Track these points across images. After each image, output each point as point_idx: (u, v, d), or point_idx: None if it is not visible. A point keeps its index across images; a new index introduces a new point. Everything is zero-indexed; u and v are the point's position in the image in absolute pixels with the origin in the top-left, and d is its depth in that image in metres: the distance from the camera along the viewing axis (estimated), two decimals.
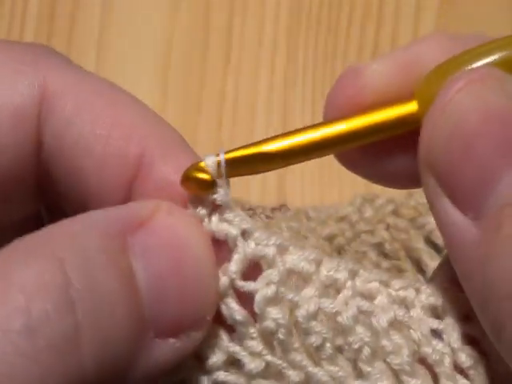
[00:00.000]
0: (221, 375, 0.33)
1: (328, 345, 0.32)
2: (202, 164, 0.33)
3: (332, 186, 0.71)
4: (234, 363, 0.33)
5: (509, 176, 0.28)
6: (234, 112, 0.75)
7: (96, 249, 0.30)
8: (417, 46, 0.34)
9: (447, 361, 0.32)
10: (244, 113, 0.75)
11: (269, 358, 0.33)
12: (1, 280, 0.29)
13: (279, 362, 0.33)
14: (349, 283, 0.33)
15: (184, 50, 0.76)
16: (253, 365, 0.33)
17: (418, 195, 0.61)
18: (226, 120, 0.74)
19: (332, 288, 0.33)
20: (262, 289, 0.32)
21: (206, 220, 0.33)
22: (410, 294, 0.33)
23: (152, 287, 0.31)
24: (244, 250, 0.33)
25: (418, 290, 0.33)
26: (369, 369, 0.32)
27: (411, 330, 0.32)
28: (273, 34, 0.76)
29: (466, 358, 0.32)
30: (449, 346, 0.32)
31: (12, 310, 0.28)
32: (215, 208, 0.33)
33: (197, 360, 0.33)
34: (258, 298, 0.32)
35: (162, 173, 0.34)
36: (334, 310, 0.32)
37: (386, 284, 0.33)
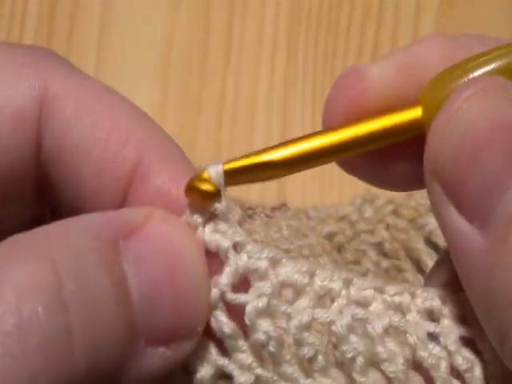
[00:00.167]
0: None
1: (320, 357, 0.32)
2: (205, 174, 0.33)
3: (332, 186, 0.71)
4: (224, 377, 0.33)
5: None
6: (233, 112, 0.75)
7: (89, 251, 0.30)
8: (417, 47, 0.34)
9: (443, 365, 0.32)
10: (244, 113, 0.75)
11: (259, 371, 0.33)
12: None
13: (270, 375, 0.33)
14: (343, 292, 0.33)
15: (184, 50, 0.76)
16: (242, 378, 0.33)
17: (418, 196, 0.61)
18: (226, 120, 0.74)
19: (327, 298, 0.33)
20: (252, 301, 0.32)
21: (200, 229, 0.33)
22: (405, 299, 0.33)
23: (144, 294, 0.31)
24: (236, 263, 0.33)
25: (413, 295, 0.33)
26: (362, 379, 0.32)
27: (407, 335, 0.32)
28: (273, 34, 0.76)
29: (462, 360, 0.31)
30: (445, 349, 0.32)
31: (2, 311, 0.28)
32: (211, 217, 0.33)
33: (185, 372, 0.33)
34: (248, 309, 0.32)
35: (157, 180, 0.34)
36: (329, 320, 0.32)
37: (381, 290, 0.33)
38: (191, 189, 0.33)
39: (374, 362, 0.32)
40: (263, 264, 0.32)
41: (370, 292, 0.33)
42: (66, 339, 0.29)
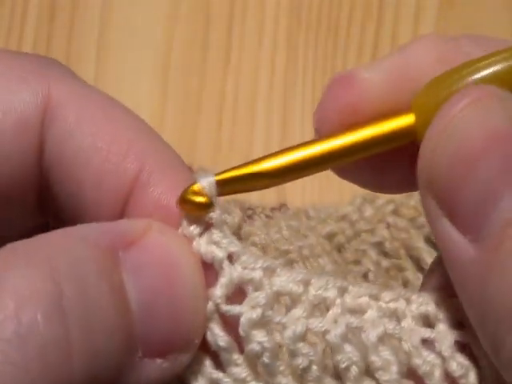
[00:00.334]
0: None
1: (314, 367, 0.32)
2: (197, 186, 0.33)
3: (332, 186, 0.71)
4: None
5: (509, 199, 0.28)
6: (233, 112, 0.75)
7: (88, 260, 0.30)
8: (411, 50, 0.34)
9: (437, 373, 0.31)
10: (244, 113, 0.75)
11: None
12: None
13: None
14: (338, 301, 0.33)
15: (184, 50, 0.76)
16: None
17: (418, 195, 0.61)
18: (226, 120, 0.74)
19: (321, 307, 0.33)
20: (247, 312, 0.32)
21: (197, 240, 0.33)
22: (400, 305, 0.33)
23: (143, 304, 0.31)
24: (230, 274, 0.33)
25: (408, 300, 0.33)
26: None
27: (402, 342, 0.32)
28: (273, 34, 0.76)
29: (456, 366, 0.31)
30: (440, 355, 0.32)
31: (2, 318, 0.28)
32: (207, 227, 0.33)
33: None
34: (243, 320, 0.32)
35: (157, 191, 0.34)
36: (323, 329, 0.32)
37: (376, 297, 0.33)
38: (184, 200, 0.33)
39: (368, 372, 0.32)
40: (257, 274, 0.32)
41: (365, 299, 0.33)
42: (64, 347, 0.29)
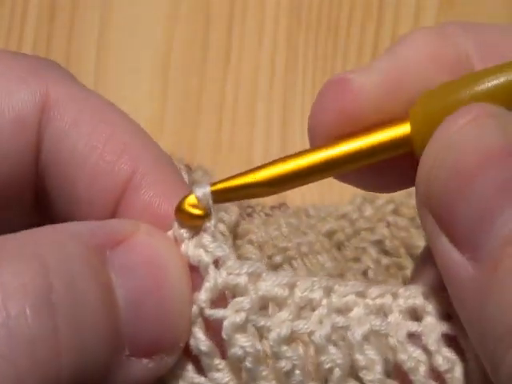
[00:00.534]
0: None
1: (298, 371, 0.32)
2: (193, 198, 0.33)
3: (332, 186, 0.71)
4: None
5: (506, 216, 0.28)
6: (233, 112, 0.75)
7: (77, 257, 0.30)
8: (402, 49, 0.33)
9: (422, 369, 0.31)
10: (244, 113, 0.75)
11: None
12: None
13: None
14: (324, 301, 0.33)
15: (184, 50, 0.76)
16: None
17: None
18: (226, 120, 0.74)
19: (308, 309, 0.33)
20: (230, 315, 0.32)
21: (186, 243, 0.33)
22: (387, 300, 0.33)
23: (130, 303, 0.31)
24: (215, 279, 0.33)
25: (395, 295, 0.33)
26: None
27: (389, 337, 0.32)
28: (273, 34, 0.76)
29: (442, 361, 0.31)
30: (426, 349, 0.32)
31: None
32: (199, 230, 0.34)
33: None
34: (226, 324, 0.32)
35: (148, 194, 0.34)
36: (309, 330, 0.32)
37: (363, 295, 0.33)
38: (180, 212, 0.33)
39: (352, 373, 0.32)
40: (242, 280, 0.33)
41: (351, 297, 0.33)
42: (53, 341, 0.29)
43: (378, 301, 0.33)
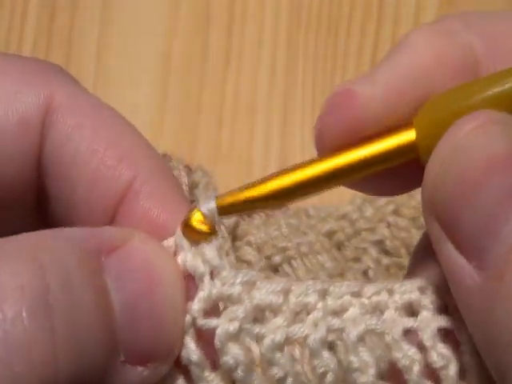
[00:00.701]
0: None
1: (290, 379, 0.32)
2: (200, 215, 0.33)
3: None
4: None
5: (511, 224, 0.28)
6: (233, 112, 0.75)
7: (73, 261, 0.30)
8: (405, 54, 0.33)
9: (416, 368, 0.31)
10: (244, 113, 0.75)
11: None
12: None
13: None
14: (319, 304, 0.33)
15: (184, 50, 0.76)
16: None
17: (419, 195, 0.61)
18: (226, 120, 0.74)
19: (304, 313, 0.33)
20: (223, 324, 0.32)
21: (185, 252, 0.33)
22: (382, 297, 0.33)
23: (125, 309, 0.31)
24: (209, 290, 0.33)
25: (390, 292, 0.33)
26: None
27: (385, 335, 0.32)
28: (273, 34, 0.76)
29: (437, 357, 0.31)
30: (422, 345, 0.32)
31: None
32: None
33: None
34: (219, 331, 0.32)
35: (147, 201, 0.34)
36: (304, 334, 0.32)
37: (358, 294, 0.33)
38: (187, 228, 0.33)
39: (346, 377, 0.32)
40: (236, 290, 0.32)
41: (346, 298, 0.33)
42: (50, 343, 0.28)
43: (374, 299, 0.33)
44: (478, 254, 0.29)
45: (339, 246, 0.60)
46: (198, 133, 0.74)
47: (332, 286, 0.33)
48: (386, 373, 0.32)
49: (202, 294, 0.33)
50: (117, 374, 0.31)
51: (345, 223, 0.60)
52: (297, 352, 0.32)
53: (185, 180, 0.55)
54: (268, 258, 0.59)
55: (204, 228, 0.33)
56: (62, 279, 0.29)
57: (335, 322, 0.32)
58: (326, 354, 0.32)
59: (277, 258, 0.58)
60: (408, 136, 0.33)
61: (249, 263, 0.57)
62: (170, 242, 0.34)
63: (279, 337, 0.32)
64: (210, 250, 0.33)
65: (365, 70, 0.75)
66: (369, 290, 0.33)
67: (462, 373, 0.31)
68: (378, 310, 0.32)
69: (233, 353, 0.32)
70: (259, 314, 0.33)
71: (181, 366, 0.33)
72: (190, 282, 0.33)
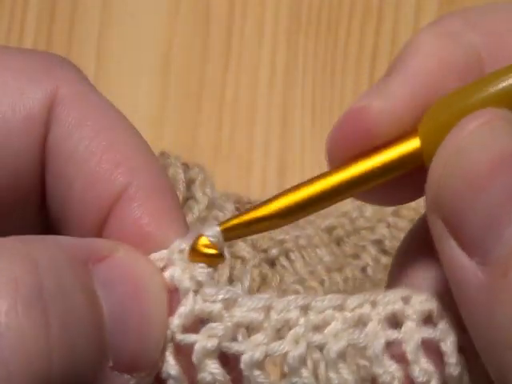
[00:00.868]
0: None
1: None
2: (205, 240, 0.33)
3: None
4: None
5: None
6: (233, 112, 0.75)
7: (65, 263, 0.30)
8: (412, 66, 0.33)
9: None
10: (244, 113, 0.75)
11: None
12: None
13: None
14: (301, 320, 0.32)
15: (184, 50, 0.76)
16: None
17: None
18: (226, 120, 0.74)
19: (286, 329, 0.32)
20: (202, 340, 0.32)
21: (175, 265, 0.33)
22: (365, 310, 0.32)
23: (113, 316, 0.31)
24: (191, 305, 0.32)
25: (373, 303, 0.32)
26: None
27: (367, 349, 0.32)
28: (273, 34, 0.76)
29: (419, 372, 0.31)
30: (404, 358, 0.31)
31: None
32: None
33: None
34: (197, 347, 0.32)
35: (139, 210, 0.34)
36: (284, 351, 0.32)
37: (341, 308, 0.32)
38: (195, 253, 0.33)
39: None
40: (217, 307, 0.32)
41: (329, 312, 0.32)
42: (44, 338, 0.28)
43: (357, 311, 0.32)
44: (482, 251, 0.29)
45: (338, 242, 0.60)
46: (198, 133, 0.74)
47: (314, 300, 0.33)
48: None
49: (182, 310, 0.32)
50: (106, 380, 0.31)
51: (345, 220, 0.60)
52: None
53: (182, 177, 0.55)
54: (265, 251, 0.58)
55: (212, 251, 0.33)
56: (55, 277, 0.29)
57: (316, 338, 0.32)
58: (304, 371, 0.32)
59: (274, 251, 0.58)
60: (413, 143, 0.32)
61: (243, 259, 0.57)
62: (162, 255, 0.34)
63: (258, 354, 0.32)
64: (201, 271, 0.33)
65: (365, 70, 0.75)
66: (351, 302, 0.33)
67: None
68: (361, 323, 0.32)
69: (210, 370, 0.32)
70: (240, 331, 0.32)
71: (160, 381, 0.33)
72: (174, 296, 0.33)
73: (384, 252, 0.59)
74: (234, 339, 0.32)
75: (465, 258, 0.29)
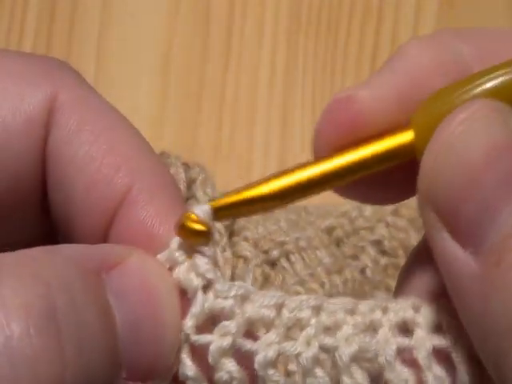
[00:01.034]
0: None
1: None
2: (194, 215, 0.33)
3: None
4: None
5: (508, 211, 0.28)
6: (233, 112, 0.75)
7: (76, 279, 0.30)
8: (402, 62, 0.33)
9: None
10: (244, 113, 0.75)
11: None
12: None
13: None
14: (313, 321, 0.32)
15: (184, 50, 0.76)
16: None
17: None
18: (226, 120, 0.74)
19: (297, 328, 0.32)
20: (216, 340, 0.32)
21: (179, 266, 0.33)
22: (376, 316, 0.32)
23: (126, 326, 0.31)
24: (201, 305, 0.32)
25: (385, 310, 0.32)
26: None
27: (378, 355, 0.32)
28: (273, 34, 0.76)
29: (432, 379, 0.31)
30: (417, 364, 0.31)
31: None
32: (193, 253, 0.33)
33: None
34: (212, 348, 0.32)
35: (143, 212, 0.34)
36: (296, 352, 0.32)
37: (352, 312, 0.32)
38: (182, 229, 0.33)
39: None
40: (229, 303, 0.32)
41: (340, 315, 0.32)
42: (57, 361, 0.28)
43: (368, 317, 0.32)
44: (475, 240, 0.29)
45: (338, 243, 0.60)
46: (198, 133, 0.74)
47: (326, 302, 0.33)
48: None
49: (194, 310, 0.32)
50: None
51: (344, 220, 0.60)
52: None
53: (182, 176, 0.55)
54: (265, 252, 0.58)
55: (200, 227, 0.33)
56: (67, 297, 0.29)
57: (328, 341, 0.32)
58: (319, 372, 0.32)
59: (275, 253, 0.58)
60: (406, 136, 0.33)
61: (245, 259, 0.57)
62: (163, 257, 0.34)
63: (271, 353, 0.32)
64: (203, 262, 0.33)
65: (365, 70, 0.75)
66: (363, 307, 0.33)
67: None
68: (371, 328, 0.32)
69: (227, 368, 0.32)
70: (252, 328, 0.32)
71: (178, 382, 0.33)
72: (184, 296, 0.33)
73: (383, 253, 0.59)
74: (247, 336, 0.32)
75: (458, 248, 0.29)
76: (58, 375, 0.28)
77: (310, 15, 0.77)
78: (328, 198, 0.68)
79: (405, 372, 0.31)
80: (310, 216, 0.62)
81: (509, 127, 0.30)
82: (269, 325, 0.32)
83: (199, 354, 0.32)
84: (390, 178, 0.34)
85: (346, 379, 0.31)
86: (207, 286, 0.33)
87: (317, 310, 0.32)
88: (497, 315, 0.28)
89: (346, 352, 0.32)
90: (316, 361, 0.32)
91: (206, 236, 0.33)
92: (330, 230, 0.60)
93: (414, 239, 0.59)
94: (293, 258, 0.58)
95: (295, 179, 0.33)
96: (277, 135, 0.74)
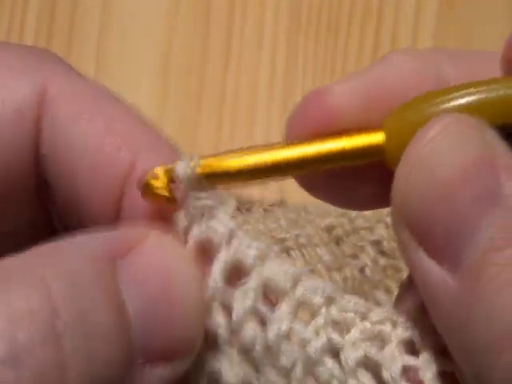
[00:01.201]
0: None
1: (299, 368, 0.31)
2: (155, 173, 0.33)
3: None
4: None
5: (486, 225, 0.28)
6: (233, 112, 0.75)
7: (85, 275, 0.29)
8: (383, 66, 0.33)
9: None
10: (244, 113, 0.75)
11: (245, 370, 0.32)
12: None
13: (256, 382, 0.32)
14: (323, 310, 0.32)
15: (184, 50, 0.76)
16: (231, 374, 0.32)
17: None
18: (226, 120, 0.74)
19: (305, 308, 0.32)
20: (238, 300, 0.32)
21: (195, 226, 0.32)
22: (386, 327, 0.32)
23: (141, 313, 0.30)
24: (225, 259, 0.32)
25: (394, 324, 0.32)
26: None
27: (383, 369, 0.31)
28: (273, 35, 0.77)
29: None
30: (420, 382, 0.31)
31: None
32: (203, 212, 0.33)
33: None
34: (235, 310, 0.31)
35: None
36: (304, 337, 0.32)
37: (363, 316, 0.32)
38: (146, 190, 0.33)
39: None
40: (251, 254, 0.32)
41: (350, 315, 0.32)
42: (60, 369, 0.28)
43: (377, 327, 0.32)
44: (451, 257, 0.28)
45: (338, 241, 0.60)
46: (198, 133, 0.74)
47: (341, 296, 0.32)
48: None
49: (217, 266, 0.32)
50: (135, 379, 0.30)
51: (344, 220, 0.61)
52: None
53: None
54: None
55: (160, 192, 0.32)
56: (73, 300, 0.29)
57: (336, 337, 0.32)
58: (328, 361, 0.31)
59: (275, 249, 0.59)
60: (376, 137, 0.32)
61: None
62: (181, 215, 0.33)
63: (284, 327, 0.31)
64: (223, 215, 0.32)
65: None
66: (374, 315, 0.32)
67: None
68: (379, 339, 0.32)
69: (249, 329, 0.31)
70: (265, 290, 0.32)
71: (207, 345, 0.32)
72: (206, 255, 0.32)
73: (382, 253, 0.60)
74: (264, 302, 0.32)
75: (434, 265, 0.29)
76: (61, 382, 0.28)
77: (310, 15, 0.77)
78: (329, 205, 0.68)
79: None
80: (309, 215, 0.62)
81: (481, 142, 0.29)
82: (281, 295, 0.32)
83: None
84: (362, 183, 0.34)
85: (352, 382, 0.31)
86: (229, 238, 0.32)
87: (330, 300, 0.32)
88: (478, 333, 0.28)
89: (351, 356, 0.31)
90: (325, 350, 0.31)
91: (171, 201, 0.32)
92: (329, 229, 0.60)
93: None
94: (293, 254, 0.59)
95: (262, 159, 0.33)
96: (277, 135, 0.74)
